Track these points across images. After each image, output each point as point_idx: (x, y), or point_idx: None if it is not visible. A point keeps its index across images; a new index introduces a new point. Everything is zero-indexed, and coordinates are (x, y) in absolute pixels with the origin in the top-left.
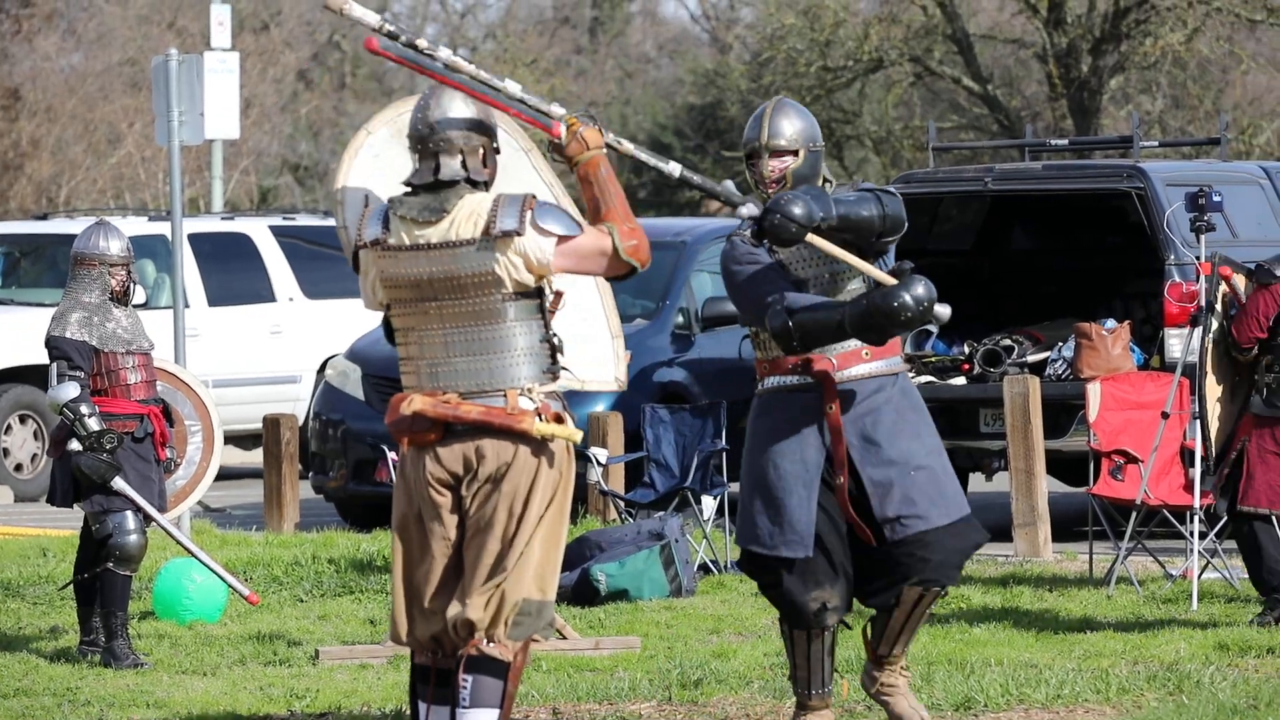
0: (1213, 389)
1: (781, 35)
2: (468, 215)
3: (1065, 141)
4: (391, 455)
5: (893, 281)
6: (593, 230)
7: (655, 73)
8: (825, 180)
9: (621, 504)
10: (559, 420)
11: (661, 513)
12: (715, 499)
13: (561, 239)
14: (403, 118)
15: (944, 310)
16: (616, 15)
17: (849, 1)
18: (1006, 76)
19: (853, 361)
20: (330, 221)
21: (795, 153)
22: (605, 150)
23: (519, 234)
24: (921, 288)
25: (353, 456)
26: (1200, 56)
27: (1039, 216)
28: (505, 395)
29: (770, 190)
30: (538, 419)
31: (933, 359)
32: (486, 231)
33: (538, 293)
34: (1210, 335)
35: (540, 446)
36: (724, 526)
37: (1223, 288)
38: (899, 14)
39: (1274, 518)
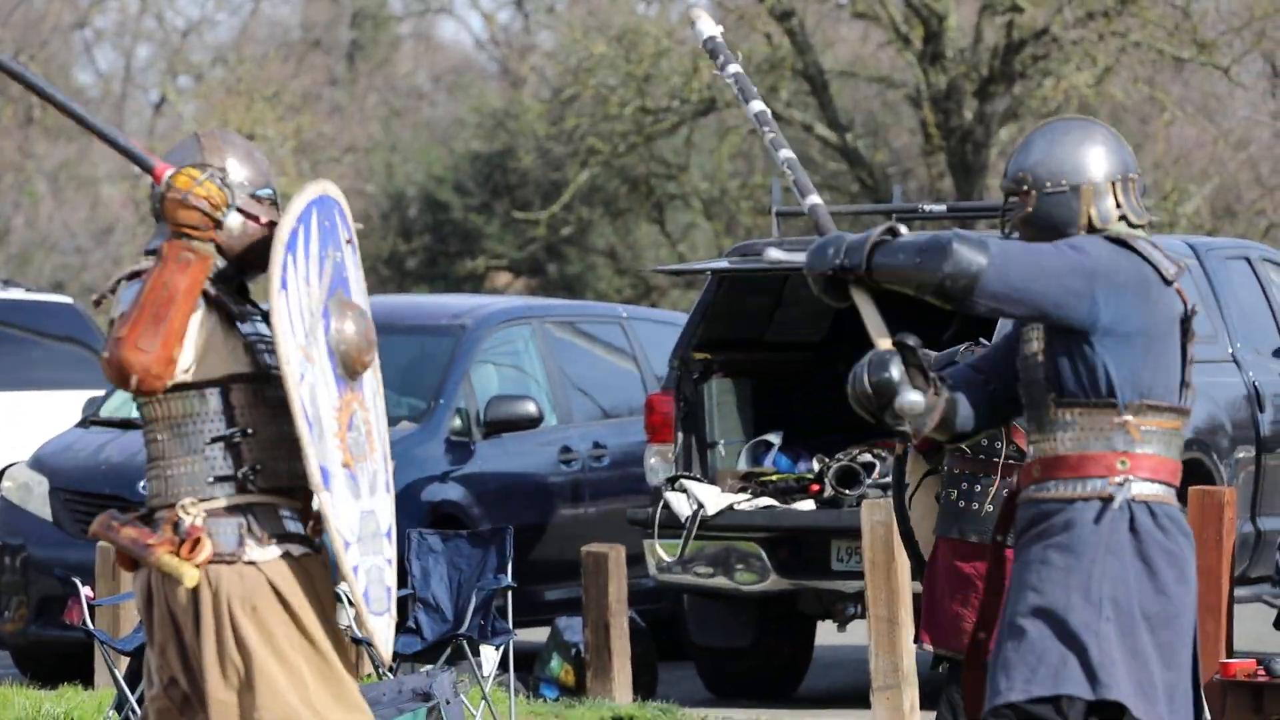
0: (920, 504)
1: (589, 67)
2: None
3: (943, 207)
4: (86, 590)
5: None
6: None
7: (430, 111)
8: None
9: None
10: (194, 545)
11: (430, 666)
12: (498, 649)
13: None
14: None
15: (912, 400)
16: (381, 38)
17: (673, 27)
18: (871, 124)
19: (1024, 478)
20: (12, 294)
21: (1027, 193)
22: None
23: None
24: (871, 367)
25: (36, 592)
26: (1113, 102)
27: (908, 300)
28: (166, 514)
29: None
30: (177, 547)
31: (772, 477)
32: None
33: (208, 382)
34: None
35: (204, 576)
36: (508, 684)
37: None
38: (736, 44)
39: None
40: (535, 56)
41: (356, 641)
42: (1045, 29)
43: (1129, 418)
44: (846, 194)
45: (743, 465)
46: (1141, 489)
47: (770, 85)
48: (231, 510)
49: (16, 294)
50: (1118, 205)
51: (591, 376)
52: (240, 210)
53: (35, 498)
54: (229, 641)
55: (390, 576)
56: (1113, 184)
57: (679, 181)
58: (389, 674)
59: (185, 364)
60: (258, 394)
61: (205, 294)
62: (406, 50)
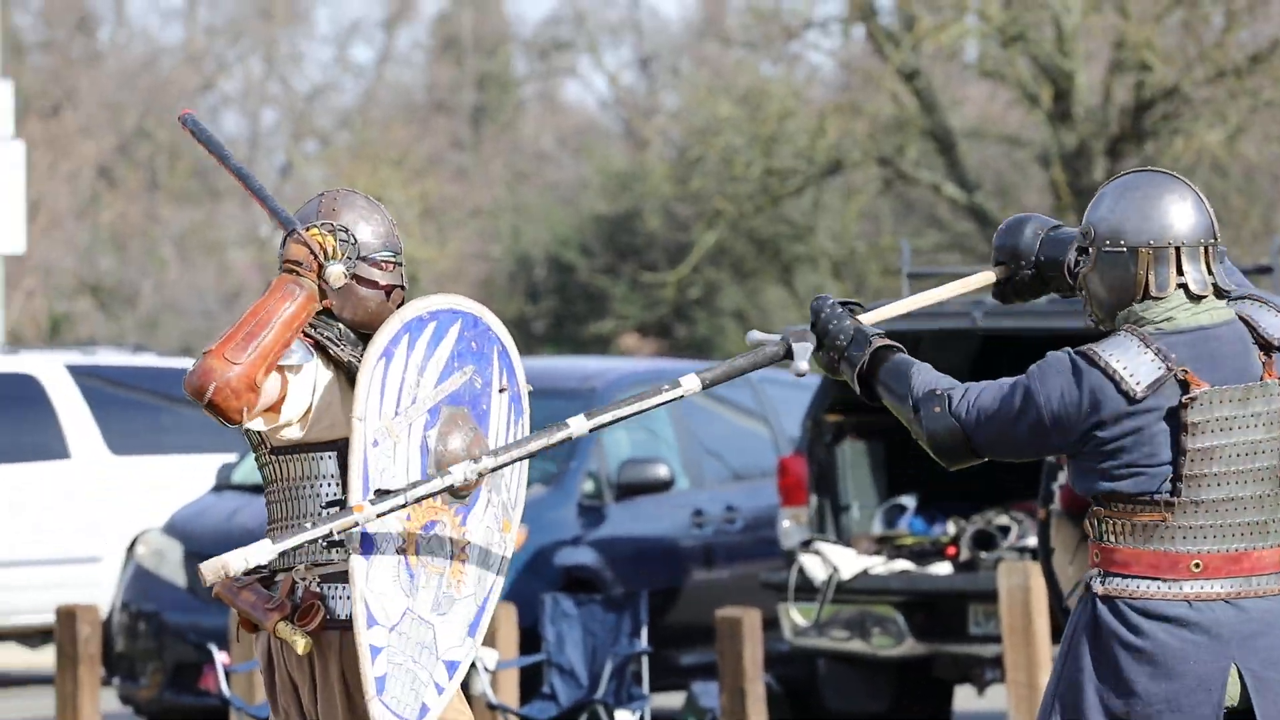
0: (1063, 569)
1: (715, 128)
2: None
3: None
4: (221, 656)
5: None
6: None
7: (555, 173)
8: (1136, 325)
9: None
10: (307, 612)
11: None
12: (634, 715)
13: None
14: None
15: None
16: (506, 101)
17: (799, 87)
18: (999, 183)
19: None
20: (142, 359)
21: (1090, 249)
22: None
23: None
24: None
25: (170, 658)
26: (1245, 161)
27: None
28: (283, 578)
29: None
30: (288, 612)
31: (908, 540)
32: None
33: (325, 445)
34: (1053, 507)
35: (320, 640)
36: None
37: None
38: (863, 104)
39: None
40: (660, 118)
41: (491, 707)
42: (1175, 87)
43: (1100, 509)
44: (975, 254)
45: (877, 528)
46: (1111, 584)
47: (897, 145)
48: (347, 576)
49: (147, 359)
50: (1180, 272)
51: (723, 439)
52: (355, 275)
53: (169, 563)
54: (340, 709)
55: (433, 699)
56: (1176, 249)
57: (806, 242)
58: None
59: (295, 414)
60: None
61: (329, 354)
62: (531, 113)
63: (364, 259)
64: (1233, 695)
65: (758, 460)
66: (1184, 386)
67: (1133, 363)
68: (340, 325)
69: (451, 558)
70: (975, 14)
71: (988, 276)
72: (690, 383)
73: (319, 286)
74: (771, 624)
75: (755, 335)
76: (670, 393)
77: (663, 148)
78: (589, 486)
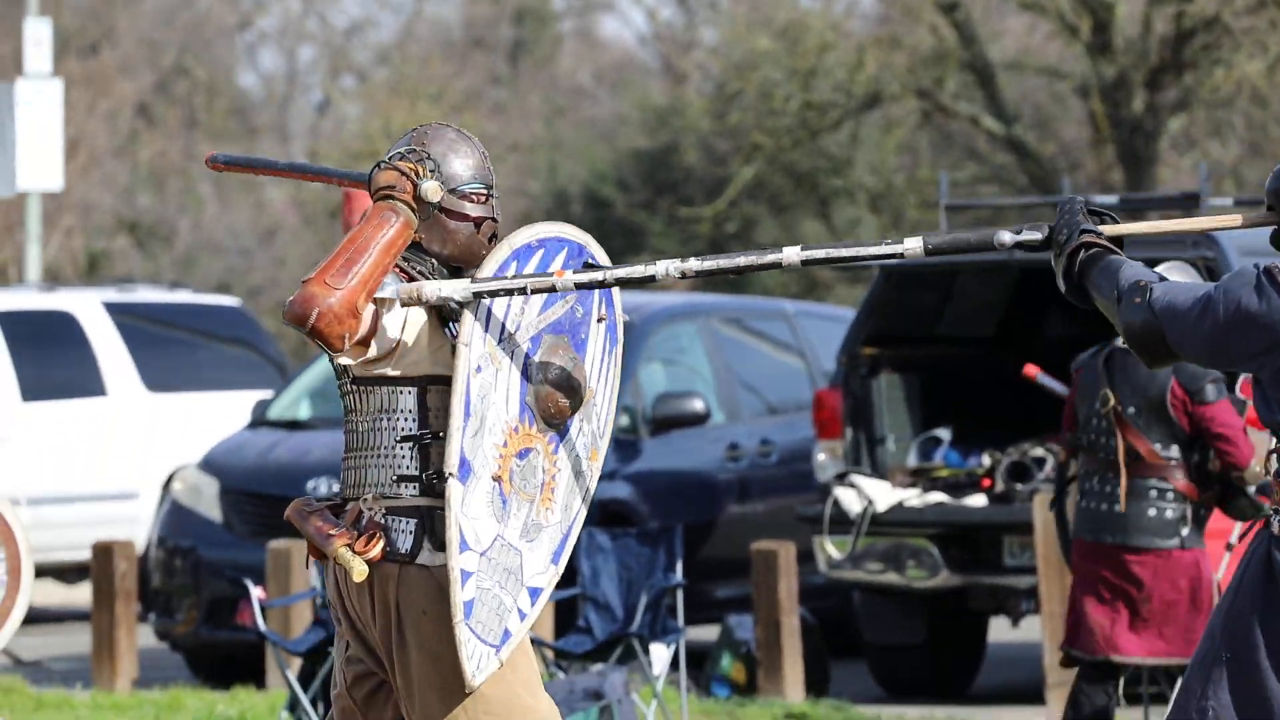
0: (1072, 498)
1: (753, 63)
2: None
3: (1114, 199)
4: (257, 592)
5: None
6: None
7: (593, 108)
8: None
9: (550, 654)
10: (369, 540)
11: (600, 665)
12: (669, 648)
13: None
14: None
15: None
16: (544, 36)
17: (838, 20)
18: (1038, 115)
19: None
20: (179, 296)
21: None
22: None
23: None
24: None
25: (206, 594)
26: None
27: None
28: (351, 507)
29: None
30: (352, 540)
31: (943, 473)
32: None
33: (407, 380)
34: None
35: (379, 571)
36: (679, 683)
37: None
38: (902, 36)
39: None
40: (698, 52)
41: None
42: (1215, 17)
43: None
44: (1014, 186)
45: (912, 461)
46: None
47: (936, 78)
48: (412, 511)
49: (183, 296)
50: None
51: (758, 373)
52: (445, 208)
53: (205, 499)
54: (392, 640)
55: (516, 624)
56: None
57: (844, 176)
58: (560, 672)
59: (388, 344)
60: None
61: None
62: (569, 48)
63: (454, 191)
64: None
65: (793, 394)
66: None
67: None
68: (432, 260)
69: (542, 486)
70: None
71: (1235, 218)
72: (914, 244)
73: (414, 210)
74: (806, 557)
75: None
76: (891, 247)
77: (701, 82)
78: (624, 420)
